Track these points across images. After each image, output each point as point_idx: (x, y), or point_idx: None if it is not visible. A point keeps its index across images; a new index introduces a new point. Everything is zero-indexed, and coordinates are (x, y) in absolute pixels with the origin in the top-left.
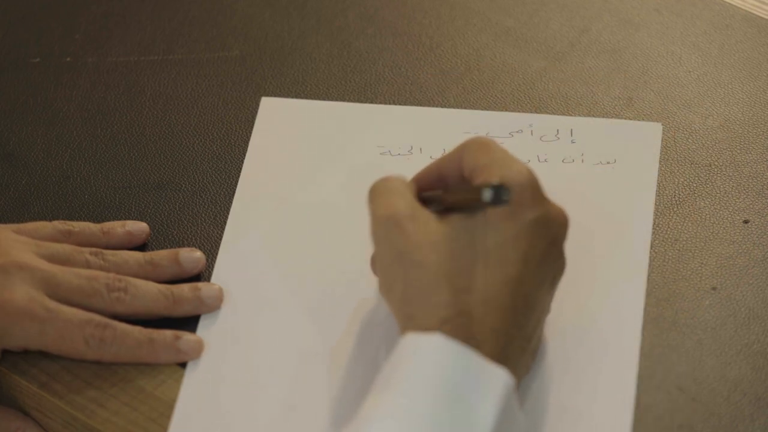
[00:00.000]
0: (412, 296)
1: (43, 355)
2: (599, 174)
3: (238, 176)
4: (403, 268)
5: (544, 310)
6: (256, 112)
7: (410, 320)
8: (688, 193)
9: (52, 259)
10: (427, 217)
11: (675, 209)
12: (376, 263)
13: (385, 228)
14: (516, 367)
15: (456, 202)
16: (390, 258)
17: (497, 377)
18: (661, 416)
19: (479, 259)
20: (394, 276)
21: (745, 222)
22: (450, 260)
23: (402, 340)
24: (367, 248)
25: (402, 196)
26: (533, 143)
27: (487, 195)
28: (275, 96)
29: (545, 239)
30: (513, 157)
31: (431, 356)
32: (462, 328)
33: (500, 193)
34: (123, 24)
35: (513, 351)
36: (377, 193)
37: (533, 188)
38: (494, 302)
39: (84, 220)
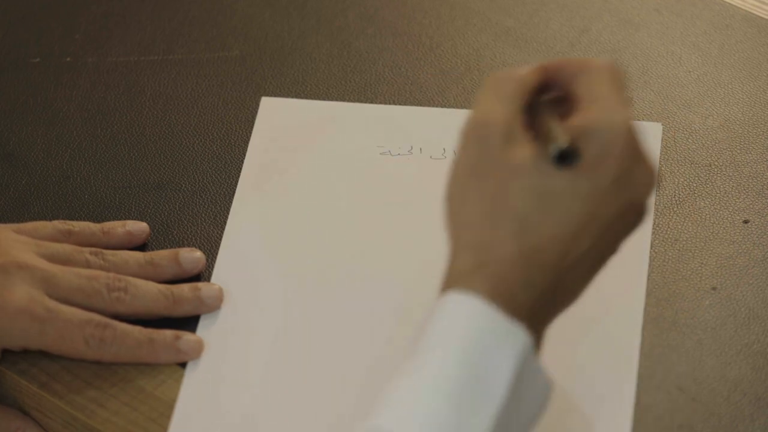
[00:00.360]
0: (465, 220)
1: (43, 355)
2: None
3: (238, 176)
4: (468, 184)
5: (603, 263)
6: (256, 112)
7: (456, 242)
8: (688, 193)
9: (53, 258)
10: (519, 139)
11: (675, 209)
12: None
13: (473, 131)
14: (545, 321)
15: (541, 127)
16: (463, 164)
17: (516, 336)
18: (661, 416)
19: (542, 205)
20: (458, 185)
21: (745, 222)
22: (518, 198)
23: (436, 302)
24: (366, 248)
25: (506, 106)
26: None
27: (553, 155)
28: (275, 96)
29: (621, 201)
30: (623, 100)
31: (458, 319)
32: (497, 277)
33: (567, 157)
34: (123, 24)
35: (547, 306)
36: (489, 87)
37: (625, 143)
38: (539, 256)
39: (84, 220)
